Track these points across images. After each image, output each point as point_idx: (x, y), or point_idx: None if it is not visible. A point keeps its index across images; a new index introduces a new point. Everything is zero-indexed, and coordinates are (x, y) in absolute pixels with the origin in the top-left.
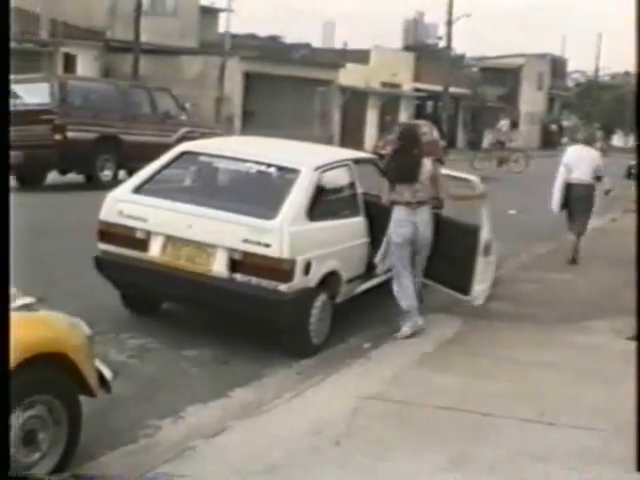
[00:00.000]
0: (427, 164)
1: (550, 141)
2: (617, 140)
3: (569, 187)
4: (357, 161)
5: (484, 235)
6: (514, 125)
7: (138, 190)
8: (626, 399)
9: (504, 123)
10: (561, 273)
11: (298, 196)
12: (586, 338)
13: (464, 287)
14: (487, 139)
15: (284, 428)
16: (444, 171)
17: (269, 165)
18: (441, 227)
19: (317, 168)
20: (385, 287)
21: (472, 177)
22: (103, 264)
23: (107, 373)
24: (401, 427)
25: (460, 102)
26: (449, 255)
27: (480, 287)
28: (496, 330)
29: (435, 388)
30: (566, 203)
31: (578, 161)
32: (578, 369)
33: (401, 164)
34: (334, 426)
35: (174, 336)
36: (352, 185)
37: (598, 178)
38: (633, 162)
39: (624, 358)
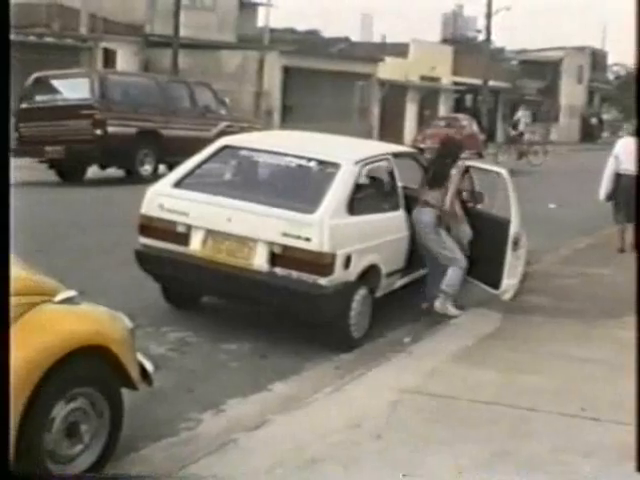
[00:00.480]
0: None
1: (590, 134)
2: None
3: (618, 177)
4: (397, 155)
5: (513, 229)
6: (556, 118)
7: (179, 184)
8: None
9: (523, 114)
10: (600, 268)
11: (338, 190)
12: (626, 333)
13: (495, 281)
14: (506, 131)
15: (324, 422)
16: (473, 163)
17: (309, 159)
18: (472, 220)
19: (357, 162)
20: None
21: (501, 169)
22: (144, 258)
23: (148, 366)
24: (441, 421)
25: (499, 95)
26: (480, 248)
27: (509, 281)
28: (536, 325)
29: (475, 382)
30: (614, 193)
31: (628, 153)
32: (619, 364)
33: (432, 170)
34: (374, 420)
35: (214, 330)
36: (392, 179)
37: None
38: None
39: None
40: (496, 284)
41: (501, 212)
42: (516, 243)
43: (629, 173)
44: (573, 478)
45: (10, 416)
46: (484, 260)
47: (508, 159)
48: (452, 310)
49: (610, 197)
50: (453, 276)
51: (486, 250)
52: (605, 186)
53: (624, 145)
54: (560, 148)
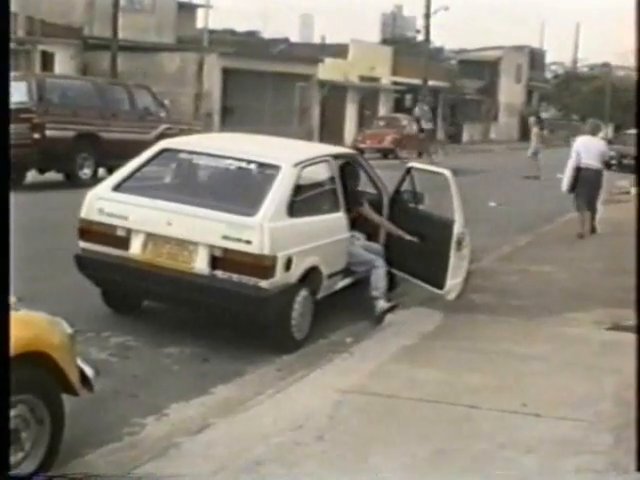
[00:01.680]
0: None
1: (529, 133)
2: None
3: (579, 171)
4: (337, 156)
5: (457, 229)
6: (495, 117)
7: (118, 188)
8: (608, 390)
9: (420, 110)
10: (541, 265)
11: (278, 192)
12: (568, 330)
13: (439, 281)
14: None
15: (267, 424)
16: (417, 164)
17: (249, 162)
18: (410, 220)
19: (297, 164)
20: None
21: (444, 170)
22: (84, 262)
23: (89, 371)
24: (384, 420)
25: (439, 95)
26: (424, 249)
27: (453, 281)
28: (477, 323)
29: (418, 381)
30: (575, 185)
31: (587, 150)
32: (560, 361)
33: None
34: (317, 421)
35: (155, 334)
36: (332, 181)
37: (606, 164)
38: (613, 153)
39: (605, 349)
40: (440, 284)
41: (445, 212)
42: (460, 243)
43: (589, 167)
44: (515, 474)
45: (10, 416)
46: (428, 261)
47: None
48: (384, 305)
49: (572, 188)
50: (375, 279)
51: (430, 251)
52: (567, 179)
53: (583, 143)
54: (499, 147)
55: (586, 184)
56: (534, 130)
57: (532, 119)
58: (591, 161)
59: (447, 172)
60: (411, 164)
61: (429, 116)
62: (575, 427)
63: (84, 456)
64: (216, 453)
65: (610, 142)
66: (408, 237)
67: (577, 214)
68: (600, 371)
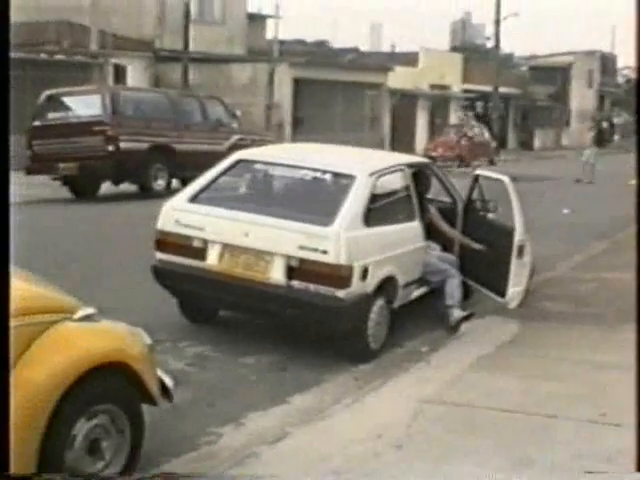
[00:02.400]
0: None
1: (602, 139)
2: None
3: None
4: (410, 165)
5: (517, 236)
6: (567, 123)
7: (194, 199)
8: None
9: (464, 117)
10: (617, 272)
11: (354, 202)
12: None
13: (501, 289)
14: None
15: (344, 433)
16: (482, 172)
17: (324, 172)
18: (479, 228)
19: (372, 173)
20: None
21: (503, 177)
22: (161, 273)
23: (168, 381)
24: (462, 430)
25: (510, 102)
26: (486, 256)
27: (515, 289)
28: (553, 331)
29: (495, 390)
30: None
31: None
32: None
33: None
34: (394, 430)
35: (232, 344)
36: (407, 189)
37: None
38: None
39: None
40: (502, 292)
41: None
42: (521, 251)
43: None
44: None
45: (10, 417)
46: (490, 268)
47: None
48: (459, 314)
49: None
50: (450, 288)
51: (492, 258)
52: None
53: None
54: (571, 153)
55: None
56: (590, 135)
57: (591, 124)
58: None
59: (506, 178)
60: (477, 171)
61: (474, 124)
62: None
63: (162, 465)
64: (294, 462)
65: None
66: (475, 245)
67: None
68: (637, 384)
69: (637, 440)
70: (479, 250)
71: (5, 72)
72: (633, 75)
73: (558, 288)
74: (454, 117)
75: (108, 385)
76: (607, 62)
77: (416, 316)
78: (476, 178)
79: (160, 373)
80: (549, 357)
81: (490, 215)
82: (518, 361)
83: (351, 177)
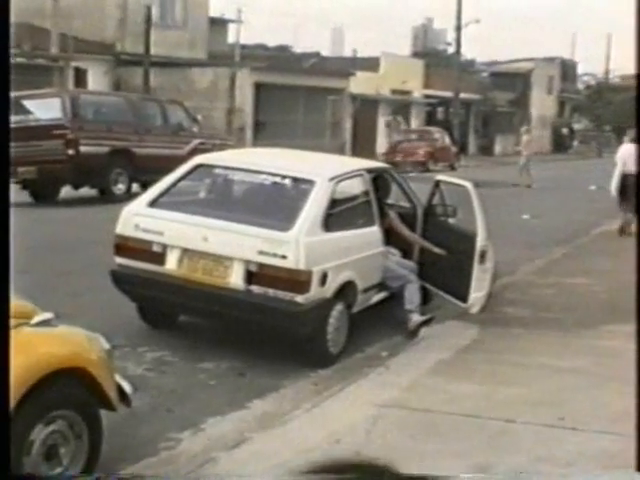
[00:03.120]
0: None
1: (561, 145)
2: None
3: (625, 177)
4: (370, 170)
5: (479, 242)
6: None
7: (154, 203)
8: None
9: (387, 120)
10: (577, 277)
11: (313, 207)
12: (604, 342)
13: (462, 294)
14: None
15: (303, 438)
16: (443, 177)
17: (284, 176)
18: (440, 233)
19: (332, 179)
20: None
21: (466, 183)
22: (120, 278)
23: (127, 387)
24: (421, 435)
25: (471, 108)
26: (448, 261)
27: (477, 295)
28: (513, 336)
29: (455, 395)
30: (623, 190)
31: (630, 156)
32: (597, 374)
33: None
34: (353, 436)
35: (191, 349)
36: (366, 194)
37: None
38: None
39: None
40: (464, 297)
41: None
42: (483, 256)
43: (633, 173)
44: None
45: (10, 417)
46: (452, 273)
47: None
48: (418, 318)
49: (621, 192)
50: (409, 293)
51: (454, 264)
52: (615, 184)
53: (628, 151)
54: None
55: (633, 188)
56: (524, 139)
57: (523, 128)
58: (634, 167)
59: (469, 184)
60: (438, 177)
61: (401, 128)
62: (613, 441)
63: (121, 471)
64: (252, 468)
65: None
66: (436, 250)
67: (621, 214)
68: (637, 384)
69: (637, 440)
70: (440, 255)
71: (5, 72)
72: (593, 82)
73: (518, 293)
74: (415, 123)
75: (66, 390)
76: (567, 68)
77: (375, 321)
78: (437, 183)
79: (118, 378)
80: (508, 362)
81: (451, 220)
82: (477, 366)
83: (311, 182)
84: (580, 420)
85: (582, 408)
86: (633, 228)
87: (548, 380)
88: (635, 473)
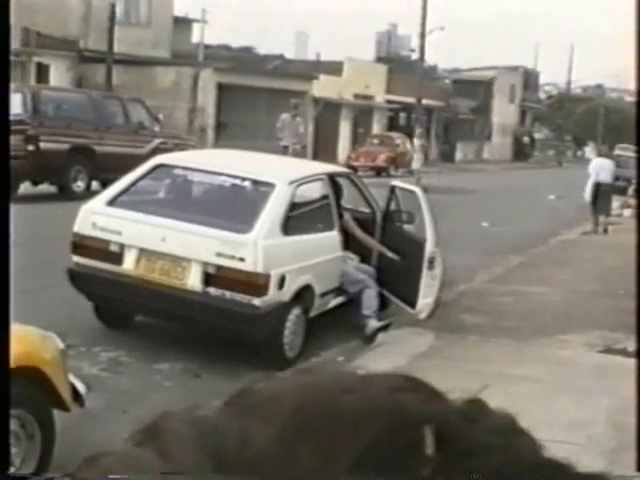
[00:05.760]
0: None
1: (522, 153)
2: (589, 152)
3: (598, 185)
4: (331, 175)
5: (429, 248)
6: (488, 137)
7: (112, 202)
8: (600, 413)
9: (284, 118)
10: (534, 286)
11: (272, 210)
12: (560, 352)
13: (411, 300)
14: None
15: None
16: (398, 183)
17: (244, 179)
18: (395, 239)
19: (292, 182)
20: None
21: (415, 188)
22: (77, 277)
23: (80, 387)
24: None
25: (433, 114)
26: (399, 267)
27: (425, 301)
28: (469, 343)
29: None
30: (595, 196)
31: (602, 169)
32: (552, 383)
33: None
34: None
35: (147, 349)
36: (326, 198)
37: (616, 179)
38: None
39: (597, 372)
40: (412, 303)
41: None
42: (432, 262)
43: (604, 182)
44: None
45: (10, 416)
46: (402, 279)
47: None
48: (375, 324)
49: (594, 200)
50: (367, 299)
51: (405, 269)
52: (589, 192)
53: (600, 163)
54: (492, 166)
55: (604, 195)
56: (416, 143)
57: (418, 131)
58: (605, 177)
59: (418, 190)
60: (394, 182)
61: (294, 130)
62: (568, 450)
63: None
64: None
65: None
66: (389, 254)
67: (592, 217)
68: (592, 394)
69: (637, 440)
70: (393, 261)
71: (5, 72)
72: (554, 92)
73: (475, 300)
74: (377, 127)
75: (18, 390)
76: (530, 78)
77: (332, 326)
78: (392, 189)
79: (72, 378)
80: (463, 369)
81: (406, 226)
82: (432, 373)
83: (270, 185)
84: (534, 429)
85: (536, 417)
86: (601, 229)
87: (503, 388)
88: (635, 473)
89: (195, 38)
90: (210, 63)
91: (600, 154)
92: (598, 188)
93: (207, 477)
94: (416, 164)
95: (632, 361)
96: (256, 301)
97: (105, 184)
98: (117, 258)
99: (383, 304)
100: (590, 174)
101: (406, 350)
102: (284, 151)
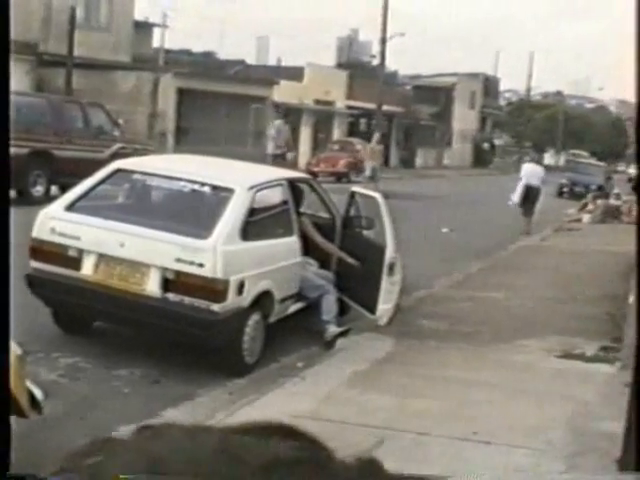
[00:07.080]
0: None
1: (482, 159)
2: (548, 159)
3: (528, 189)
4: (291, 180)
5: (388, 254)
6: (448, 143)
7: (71, 207)
8: (559, 418)
9: (278, 124)
10: (493, 291)
11: (232, 216)
12: (518, 357)
13: (371, 306)
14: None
15: None
16: (358, 189)
17: (203, 184)
18: (354, 244)
19: (251, 187)
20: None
21: (375, 194)
22: (35, 282)
23: (38, 393)
24: (335, 447)
25: (393, 120)
26: (359, 273)
27: (385, 306)
28: (429, 349)
29: (369, 407)
30: (524, 199)
31: (531, 173)
32: (511, 388)
33: None
34: None
35: (106, 355)
36: (286, 204)
37: (559, 192)
38: (564, 181)
39: (555, 377)
40: (372, 309)
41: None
42: (392, 268)
43: (532, 185)
44: None
45: (10, 416)
46: (362, 285)
47: None
48: (335, 329)
49: (522, 201)
50: (327, 304)
51: (364, 275)
52: (519, 194)
53: (530, 168)
54: (452, 172)
55: (531, 197)
56: (370, 146)
57: (376, 135)
58: (535, 182)
59: (378, 195)
60: (354, 188)
61: (285, 137)
62: (526, 455)
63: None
64: None
65: (562, 170)
66: (349, 260)
67: (524, 218)
68: (551, 398)
69: (637, 440)
70: (353, 266)
71: (5, 71)
72: (515, 98)
73: (435, 306)
74: (338, 133)
75: None
76: (490, 84)
77: (292, 331)
78: (352, 195)
79: (30, 384)
80: (423, 375)
81: (366, 232)
82: (392, 378)
83: (230, 190)
84: (493, 434)
85: (495, 422)
86: (529, 229)
87: (462, 393)
88: (635, 473)
89: (156, 43)
90: (171, 68)
91: (531, 160)
92: (527, 191)
93: None
94: (368, 171)
95: (591, 366)
96: (215, 307)
97: (64, 189)
98: (76, 263)
99: (343, 310)
100: (521, 178)
101: (366, 355)
102: (275, 159)
